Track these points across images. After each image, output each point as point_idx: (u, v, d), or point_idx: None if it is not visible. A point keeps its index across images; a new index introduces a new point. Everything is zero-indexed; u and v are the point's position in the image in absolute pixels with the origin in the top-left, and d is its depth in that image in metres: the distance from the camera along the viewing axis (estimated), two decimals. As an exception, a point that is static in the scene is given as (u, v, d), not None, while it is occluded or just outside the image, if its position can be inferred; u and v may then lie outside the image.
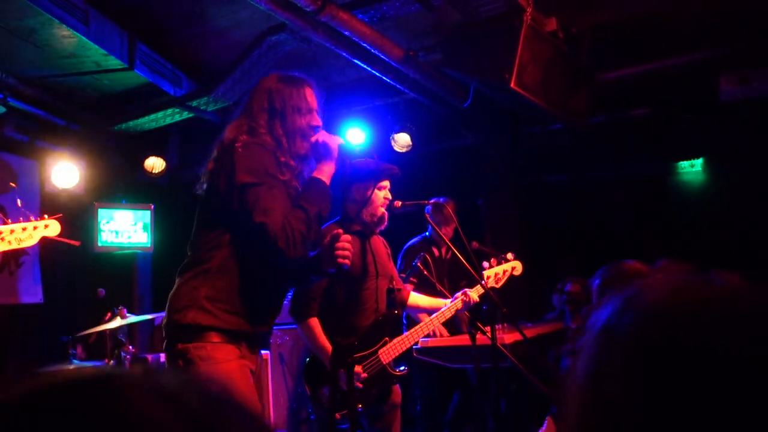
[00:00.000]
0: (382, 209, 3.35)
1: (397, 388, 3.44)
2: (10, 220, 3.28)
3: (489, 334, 3.05)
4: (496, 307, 3.02)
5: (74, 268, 5.83)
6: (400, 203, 3.36)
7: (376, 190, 3.33)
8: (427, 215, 3.81)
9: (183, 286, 2.32)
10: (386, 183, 3.37)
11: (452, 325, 4.52)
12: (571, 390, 0.71)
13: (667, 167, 6.39)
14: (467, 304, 3.45)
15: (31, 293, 5.65)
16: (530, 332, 3.92)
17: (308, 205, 2.32)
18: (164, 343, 2.33)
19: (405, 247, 4.85)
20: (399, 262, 4.75)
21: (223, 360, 2.22)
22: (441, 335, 4.32)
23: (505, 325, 3.94)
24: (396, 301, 3.48)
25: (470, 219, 5.23)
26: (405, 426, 4.87)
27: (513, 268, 3.75)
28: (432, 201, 4.23)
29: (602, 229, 6.23)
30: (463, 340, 3.86)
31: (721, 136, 5.71)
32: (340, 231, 2.45)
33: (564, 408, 0.72)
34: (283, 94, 2.46)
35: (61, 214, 3.49)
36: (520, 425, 4.49)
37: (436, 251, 4.78)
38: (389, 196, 3.37)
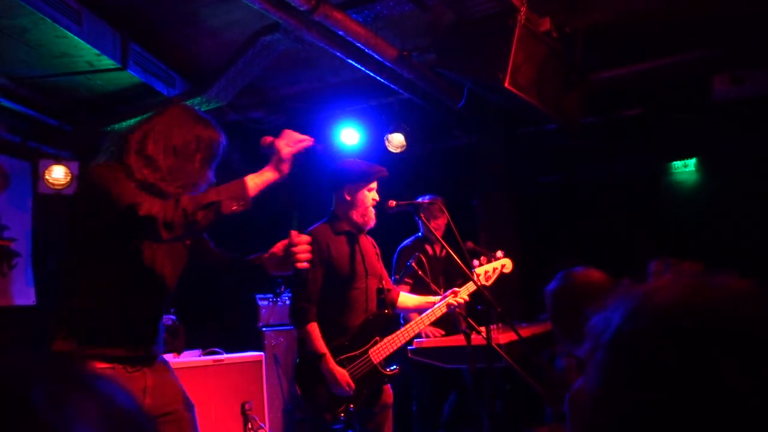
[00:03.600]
0: (371, 210, 3.38)
1: (388, 388, 3.45)
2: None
3: (484, 334, 3.05)
4: (490, 306, 3.02)
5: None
6: (394, 203, 3.37)
7: (365, 191, 3.36)
8: (420, 214, 3.82)
9: (52, 316, 2.25)
10: (374, 184, 3.40)
11: (449, 324, 4.52)
12: (584, 399, 0.70)
13: (660, 167, 6.40)
14: (456, 305, 3.45)
15: (24, 295, 5.61)
16: (524, 332, 3.92)
17: (211, 193, 2.20)
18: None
19: (399, 248, 4.85)
20: (393, 263, 4.76)
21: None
22: (432, 336, 4.32)
23: (500, 325, 3.94)
24: (386, 301, 3.49)
25: (465, 219, 5.23)
26: (400, 427, 4.86)
27: (503, 266, 3.76)
28: (423, 200, 4.25)
29: (596, 229, 6.23)
30: (458, 340, 3.87)
31: (714, 136, 5.73)
32: (294, 232, 2.41)
33: (575, 418, 0.71)
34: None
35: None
36: (516, 425, 4.49)
37: (430, 250, 4.78)
38: (377, 197, 3.40)
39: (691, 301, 0.66)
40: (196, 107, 5.11)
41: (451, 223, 3.30)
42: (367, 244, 3.53)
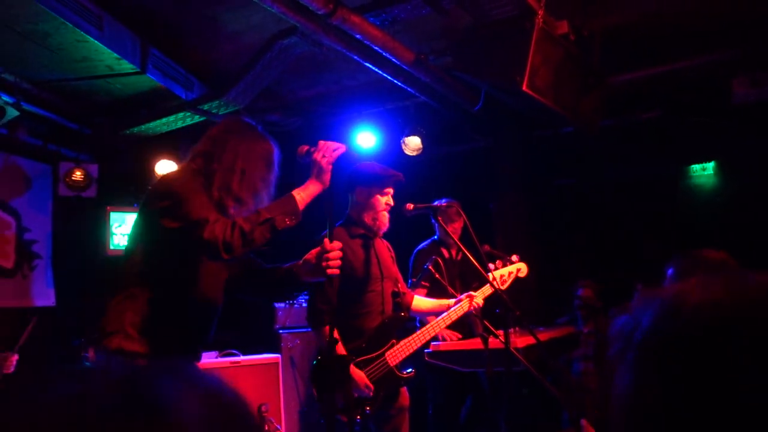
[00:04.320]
0: (384, 214, 3.38)
1: (404, 391, 3.44)
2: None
3: (501, 338, 3.04)
4: (508, 310, 3.01)
5: (86, 272, 5.85)
6: (411, 206, 3.37)
7: (378, 196, 3.37)
8: (439, 218, 3.82)
9: (111, 311, 2.31)
10: (390, 189, 3.40)
11: (465, 328, 4.51)
12: (616, 402, 0.70)
13: (678, 171, 6.35)
14: (472, 308, 3.44)
15: (44, 296, 5.68)
16: (542, 336, 3.90)
17: (264, 211, 2.33)
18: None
19: (415, 251, 4.85)
20: (410, 267, 4.75)
21: None
22: (449, 339, 4.31)
23: (518, 328, 3.93)
24: (402, 304, 3.49)
25: (481, 223, 5.22)
26: (416, 430, 4.86)
27: (518, 270, 3.75)
28: (435, 204, 4.26)
29: (613, 233, 6.20)
30: (476, 343, 3.86)
31: (733, 139, 5.68)
32: (327, 239, 2.47)
33: (607, 421, 0.71)
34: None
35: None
36: (533, 429, 4.47)
37: (446, 253, 4.78)
38: (391, 201, 3.41)
39: (726, 301, 0.66)
40: (214, 110, 5.17)
41: (469, 226, 3.29)
42: (383, 247, 3.54)
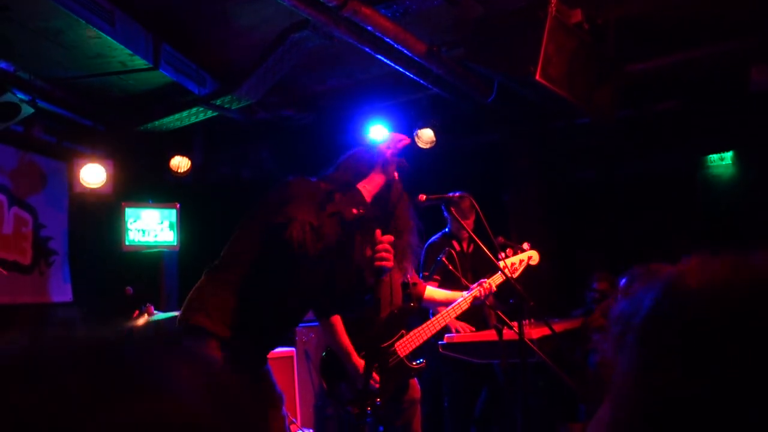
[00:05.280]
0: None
1: (415, 383, 3.43)
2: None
3: (516, 329, 3.02)
4: (522, 300, 2.99)
5: (102, 268, 5.90)
6: (424, 197, 3.35)
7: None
8: (452, 209, 3.80)
9: (203, 289, 2.42)
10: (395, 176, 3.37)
11: (479, 319, 4.49)
12: (614, 384, 0.69)
13: (696, 161, 6.28)
14: (483, 296, 3.41)
15: (61, 292, 5.73)
16: (557, 327, 3.87)
17: (331, 206, 2.40)
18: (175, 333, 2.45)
19: (426, 244, 4.83)
20: (421, 260, 4.74)
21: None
22: (462, 331, 4.29)
23: (532, 320, 3.90)
24: (412, 295, 3.47)
25: (495, 215, 5.19)
26: (432, 423, 4.85)
27: (530, 258, 3.71)
28: (449, 195, 4.22)
29: (630, 225, 6.14)
30: (490, 335, 3.84)
31: (751, 128, 5.59)
32: (378, 231, 2.48)
33: (605, 404, 0.70)
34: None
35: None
36: (549, 422, 4.44)
37: (457, 246, 4.75)
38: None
39: (727, 281, 0.65)
40: (227, 105, 5.17)
41: (482, 217, 3.27)
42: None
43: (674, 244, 5.60)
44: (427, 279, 4.30)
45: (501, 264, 3.41)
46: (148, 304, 4.58)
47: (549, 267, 4.00)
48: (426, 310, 3.72)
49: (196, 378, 0.51)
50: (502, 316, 3.19)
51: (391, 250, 2.50)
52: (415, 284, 3.54)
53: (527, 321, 3.77)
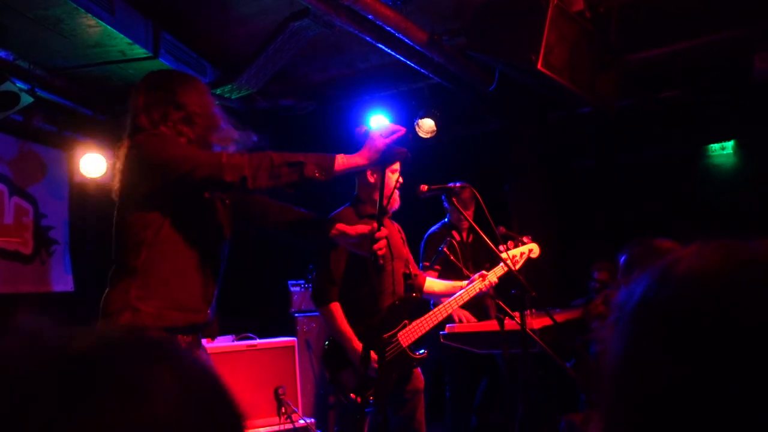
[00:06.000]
0: (396, 192, 3.35)
1: (418, 373, 3.43)
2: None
3: (517, 319, 3.02)
4: (524, 291, 2.99)
5: (104, 257, 5.89)
6: (426, 187, 3.34)
7: (388, 173, 3.32)
8: (454, 199, 3.79)
9: (113, 291, 2.30)
10: (397, 165, 3.35)
11: (481, 310, 4.50)
12: (605, 370, 0.70)
13: (697, 150, 6.26)
14: (485, 288, 3.42)
15: (62, 282, 5.74)
16: (559, 317, 3.87)
17: (300, 155, 2.30)
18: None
19: (426, 234, 4.83)
20: (421, 250, 4.74)
21: None
22: (464, 320, 4.29)
23: (534, 310, 3.90)
24: (414, 285, 3.47)
25: (497, 205, 5.19)
26: (434, 412, 4.86)
27: (530, 251, 3.71)
28: (450, 185, 4.21)
29: (632, 214, 6.13)
30: (492, 325, 3.84)
31: (753, 117, 5.57)
32: (376, 225, 2.48)
33: (598, 390, 0.71)
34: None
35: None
36: (550, 412, 4.46)
37: (457, 236, 4.75)
38: (401, 179, 3.36)
39: (715, 266, 0.65)
40: (227, 95, 5.15)
41: (484, 207, 3.26)
42: (393, 227, 3.52)
43: (675, 234, 5.59)
44: (427, 269, 4.30)
45: (504, 255, 3.41)
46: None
47: (549, 256, 4.00)
48: (426, 301, 3.72)
49: (174, 380, 0.49)
50: (504, 307, 3.19)
51: (385, 244, 2.50)
52: (416, 275, 3.54)
53: (529, 311, 3.77)
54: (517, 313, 3.03)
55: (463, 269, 3.68)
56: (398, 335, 3.28)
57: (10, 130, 5.23)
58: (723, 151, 6.24)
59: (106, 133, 5.74)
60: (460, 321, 4.27)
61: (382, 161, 2.41)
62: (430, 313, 3.40)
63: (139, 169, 2.35)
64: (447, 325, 4.07)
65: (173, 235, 2.32)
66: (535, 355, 3.54)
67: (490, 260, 3.70)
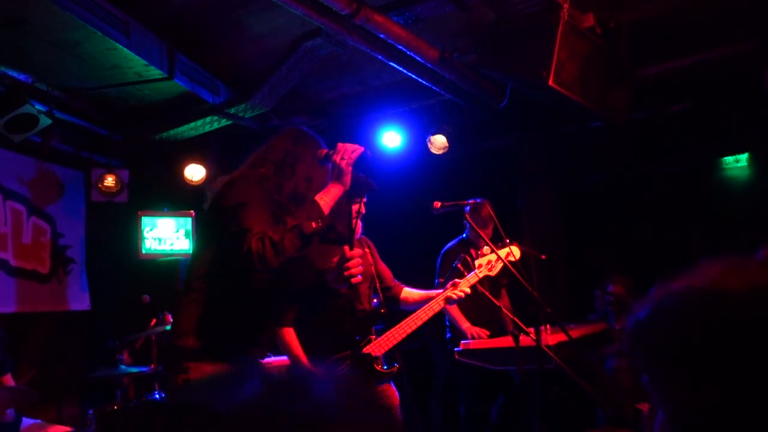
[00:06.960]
0: (355, 221, 3.30)
1: (389, 389, 3.35)
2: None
3: (532, 335, 3.01)
4: (539, 307, 2.98)
5: (120, 276, 5.95)
6: (439, 204, 3.35)
7: (352, 206, 3.29)
8: (467, 215, 3.79)
9: (184, 311, 2.44)
10: (363, 199, 3.30)
11: (496, 326, 4.48)
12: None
13: (711, 163, 6.23)
14: (456, 298, 3.36)
15: (79, 300, 5.79)
16: (573, 333, 3.86)
17: (291, 220, 2.40)
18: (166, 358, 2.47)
19: (442, 251, 4.82)
20: (437, 266, 4.73)
21: None
22: (475, 337, 4.27)
23: (549, 326, 3.88)
24: (390, 297, 3.44)
25: (509, 220, 5.19)
26: (449, 429, 4.83)
27: (508, 254, 3.51)
28: (470, 201, 4.18)
29: (645, 228, 6.10)
30: (506, 341, 3.83)
31: (766, 129, 5.55)
32: (347, 247, 2.51)
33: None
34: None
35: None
36: (566, 428, 4.42)
37: (474, 253, 4.73)
38: (363, 209, 3.31)
39: (725, 281, 0.67)
40: (240, 114, 5.21)
41: (498, 224, 3.26)
42: (359, 247, 3.46)
43: (689, 248, 5.56)
44: (442, 286, 4.28)
45: (477, 263, 3.39)
46: (165, 312, 4.62)
47: (562, 270, 3.99)
48: (407, 312, 3.60)
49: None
50: (519, 323, 3.19)
51: (361, 263, 2.52)
52: (389, 288, 3.51)
53: (544, 327, 3.75)
54: (532, 329, 3.02)
55: (478, 286, 3.66)
56: (363, 351, 3.23)
57: (28, 151, 5.32)
58: (737, 164, 6.21)
59: (122, 153, 5.83)
60: (473, 338, 4.26)
61: (351, 193, 2.51)
62: (399, 325, 3.33)
63: None
64: (462, 342, 4.05)
65: (232, 273, 2.51)
66: (551, 371, 3.53)
67: (507, 276, 3.66)
